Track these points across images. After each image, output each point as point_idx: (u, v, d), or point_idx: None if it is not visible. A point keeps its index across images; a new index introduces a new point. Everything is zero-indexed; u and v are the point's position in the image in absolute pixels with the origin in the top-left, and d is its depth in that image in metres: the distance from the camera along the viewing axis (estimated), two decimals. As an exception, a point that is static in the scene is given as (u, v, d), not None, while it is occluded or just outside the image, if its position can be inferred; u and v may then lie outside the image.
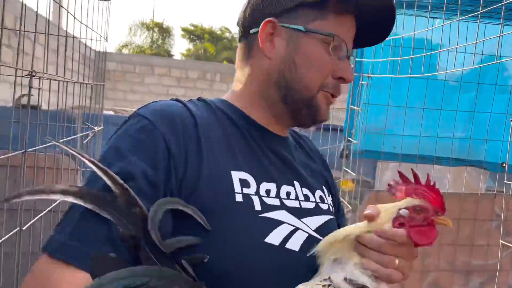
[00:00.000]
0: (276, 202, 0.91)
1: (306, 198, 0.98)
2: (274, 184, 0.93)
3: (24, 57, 1.47)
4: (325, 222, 0.99)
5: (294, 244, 0.89)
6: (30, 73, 1.61)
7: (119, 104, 10.93)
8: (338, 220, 1.08)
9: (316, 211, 0.99)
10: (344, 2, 0.95)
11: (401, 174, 0.85)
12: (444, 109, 2.62)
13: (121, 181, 0.76)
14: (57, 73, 1.79)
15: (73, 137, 2.35)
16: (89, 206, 0.75)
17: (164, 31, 24.02)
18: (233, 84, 1.07)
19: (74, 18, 1.97)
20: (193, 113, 0.92)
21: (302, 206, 0.96)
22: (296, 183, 0.98)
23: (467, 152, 2.79)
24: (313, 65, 0.95)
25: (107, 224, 0.76)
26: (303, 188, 0.99)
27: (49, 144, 1.67)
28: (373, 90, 2.64)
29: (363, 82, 2.57)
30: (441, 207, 0.80)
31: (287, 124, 1.03)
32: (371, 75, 2.53)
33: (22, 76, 1.52)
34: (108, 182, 0.76)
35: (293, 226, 0.91)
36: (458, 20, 2.13)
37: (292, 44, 0.96)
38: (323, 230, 0.95)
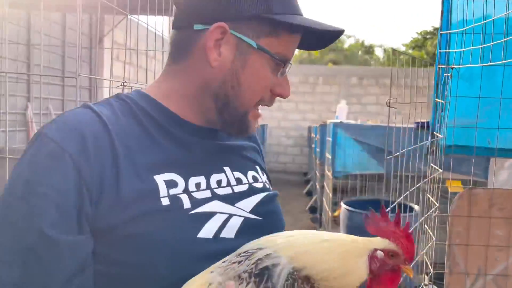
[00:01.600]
0: (207, 194, 0.91)
1: (239, 181, 0.98)
2: (203, 176, 0.92)
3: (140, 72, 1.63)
4: (261, 200, 0.98)
5: (229, 231, 0.89)
6: (122, 84, 1.77)
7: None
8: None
9: (250, 192, 0.98)
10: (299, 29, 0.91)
11: (383, 209, 0.85)
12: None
13: None
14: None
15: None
16: None
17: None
18: (161, 74, 0.99)
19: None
20: (106, 122, 0.85)
21: (235, 191, 0.96)
22: (226, 168, 0.98)
23: None
24: (256, 83, 0.92)
25: None
26: (234, 172, 0.99)
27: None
28: (461, 81, 2.48)
29: (447, 74, 2.42)
30: (411, 258, 0.81)
31: (217, 128, 0.99)
32: (458, 66, 2.37)
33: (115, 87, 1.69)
34: None
35: (227, 214, 0.91)
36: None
37: (239, 58, 0.90)
38: (259, 208, 0.97)
